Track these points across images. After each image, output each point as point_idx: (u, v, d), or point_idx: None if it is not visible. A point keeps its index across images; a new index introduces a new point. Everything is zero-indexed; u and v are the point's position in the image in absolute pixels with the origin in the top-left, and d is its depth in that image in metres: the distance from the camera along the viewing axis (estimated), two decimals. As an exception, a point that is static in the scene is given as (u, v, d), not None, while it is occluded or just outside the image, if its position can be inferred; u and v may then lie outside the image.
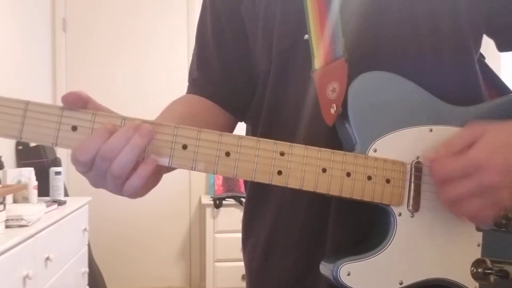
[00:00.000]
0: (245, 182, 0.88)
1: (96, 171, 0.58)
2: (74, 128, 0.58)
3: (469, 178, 0.61)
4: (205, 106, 0.83)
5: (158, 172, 0.64)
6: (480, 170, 0.61)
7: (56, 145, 0.58)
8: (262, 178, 0.62)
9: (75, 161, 0.58)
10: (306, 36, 0.72)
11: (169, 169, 0.65)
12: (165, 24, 3.58)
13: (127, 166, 0.57)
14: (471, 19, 0.75)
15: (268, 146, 0.63)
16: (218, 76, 0.84)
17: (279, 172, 0.63)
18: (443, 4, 0.73)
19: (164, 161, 0.60)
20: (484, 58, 0.83)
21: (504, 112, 0.72)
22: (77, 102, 0.58)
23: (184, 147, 0.61)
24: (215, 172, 0.61)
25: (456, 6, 0.73)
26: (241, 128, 0.90)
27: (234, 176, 0.62)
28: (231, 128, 0.86)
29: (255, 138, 0.63)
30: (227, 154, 0.62)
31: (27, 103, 0.57)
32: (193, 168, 0.61)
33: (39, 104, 0.58)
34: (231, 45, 0.83)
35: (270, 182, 0.63)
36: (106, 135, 0.57)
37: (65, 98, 0.58)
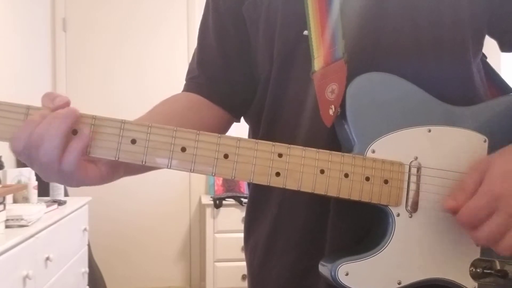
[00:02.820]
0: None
1: (33, 161, 0.59)
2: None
3: (495, 212, 0.61)
4: (200, 105, 0.83)
5: (115, 168, 0.65)
6: (501, 200, 0.61)
7: None
8: (260, 179, 0.63)
9: (12, 151, 0.59)
10: (305, 32, 0.73)
11: (129, 171, 0.67)
12: (165, 24, 3.58)
13: (52, 151, 0.58)
14: (473, 24, 0.75)
15: (266, 147, 0.63)
16: (219, 75, 0.84)
17: (277, 174, 0.63)
18: (444, 10, 0.73)
19: (163, 164, 0.61)
20: (486, 57, 0.84)
21: (503, 111, 0.72)
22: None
23: (183, 149, 0.61)
24: (213, 174, 0.62)
25: (458, 12, 0.73)
26: (241, 130, 0.90)
27: (233, 177, 0.62)
28: (226, 128, 0.87)
29: (253, 140, 0.63)
30: (226, 156, 0.62)
31: (28, 107, 0.59)
32: (192, 170, 0.61)
33: (39, 108, 0.59)
34: (233, 45, 0.84)
35: (268, 184, 0.63)
36: (35, 124, 0.58)
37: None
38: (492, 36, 0.81)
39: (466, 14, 0.74)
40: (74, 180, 0.61)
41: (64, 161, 0.59)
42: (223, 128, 0.86)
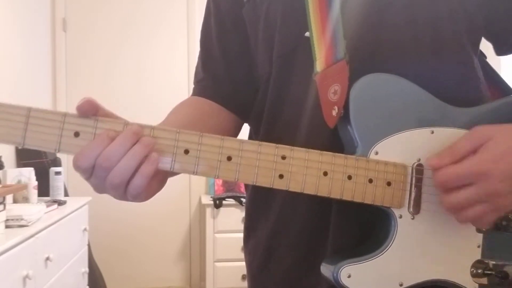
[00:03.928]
0: None
1: (96, 178, 0.58)
2: (77, 134, 0.58)
3: (473, 185, 0.62)
4: (209, 108, 0.83)
5: (163, 177, 0.64)
6: (483, 178, 0.61)
7: (58, 151, 0.58)
8: (263, 182, 0.63)
9: (76, 167, 0.58)
10: (307, 34, 0.72)
11: (173, 173, 0.65)
12: (165, 24, 3.58)
13: (126, 175, 0.57)
14: (470, 22, 0.75)
15: (270, 150, 0.63)
16: (222, 75, 0.85)
17: (281, 176, 0.63)
18: (443, 8, 0.73)
19: (166, 166, 0.61)
20: (485, 57, 0.83)
21: (506, 113, 0.72)
22: (90, 110, 0.59)
23: (186, 151, 0.61)
24: (216, 176, 0.61)
25: (456, 9, 0.74)
26: (241, 130, 0.90)
27: (236, 180, 0.62)
28: (235, 131, 0.87)
29: (257, 142, 0.63)
30: (229, 158, 0.62)
31: (29, 109, 0.57)
32: (195, 173, 0.61)
33: (41, 110, 0.58)
34: (235, 46, 0.84)
35: (271, 186, 0.63)
36: (106, 141, 0.57)
37: (80, 108, 0.58)
38: (488, 38, 0.81)
39: (463, 11, 0.74)
40: (135, 199, 0.61)
41: (133, 184, 0.58)
42: (234, 133, 0.86)
